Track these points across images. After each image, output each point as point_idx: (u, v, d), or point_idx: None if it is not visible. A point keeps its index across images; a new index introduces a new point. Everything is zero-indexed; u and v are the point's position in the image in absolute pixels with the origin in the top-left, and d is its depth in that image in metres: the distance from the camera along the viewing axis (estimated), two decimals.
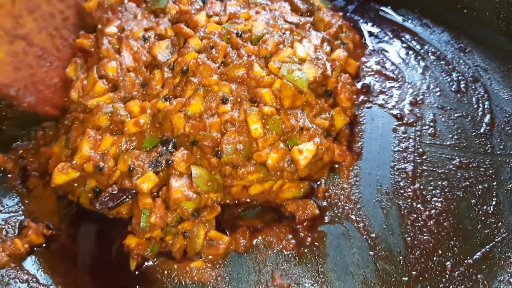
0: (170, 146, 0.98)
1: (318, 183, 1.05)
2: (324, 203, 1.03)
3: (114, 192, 0.96)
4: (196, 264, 0.96)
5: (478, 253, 0.98)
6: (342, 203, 1.03)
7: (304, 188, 1.03)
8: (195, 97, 0.99)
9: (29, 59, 1.03)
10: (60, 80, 1.09)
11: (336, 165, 1.08)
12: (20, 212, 1.01)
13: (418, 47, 1.28)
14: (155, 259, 0.96)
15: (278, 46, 1.06)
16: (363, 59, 1.24)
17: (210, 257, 0.97)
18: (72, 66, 1.10)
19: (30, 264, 0.96)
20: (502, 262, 0.97)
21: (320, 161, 1.04)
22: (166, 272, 0.96)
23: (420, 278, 0.95)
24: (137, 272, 0.95)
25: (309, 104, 1.04)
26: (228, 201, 1.03)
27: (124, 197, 0.96)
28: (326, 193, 1.04)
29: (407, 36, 1.30)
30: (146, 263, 0.96)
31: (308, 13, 1.23)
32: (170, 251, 0.97)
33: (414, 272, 0.95)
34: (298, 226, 1.00)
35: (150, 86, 1.04)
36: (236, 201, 1.04)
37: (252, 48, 1.06)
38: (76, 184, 1.01)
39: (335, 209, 1.02)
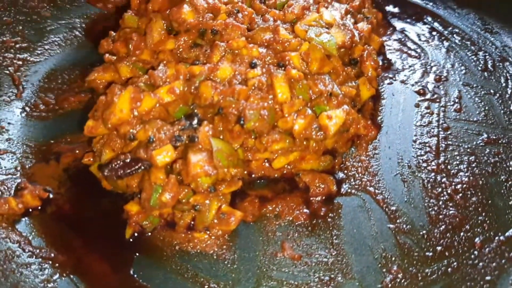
0: (195, 121, 0.90)
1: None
2: (341, 175, 0.96)
3: (126, 160, 0.89)
4: (200, 236, 0.89)
5: (511, 230, 0.88)
6: (360, 175, 0.96)
7: (325, 162, 0.97)
8: (223, 61, 0.94)
9: None
10: None
11: (357, 140, 1.01)
12: (18, 175, 0.96)
13: (441, 28, 1.23)
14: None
15: (303, 11, 1.03)
16: (384, 38, 1.19)
17: (218, 232, 0.90)
18: None
19: (24, 226, 0.90)
20: None
21: (346, 133, 0.97)
22: (166, 239, 0.89)
23: (446, 253, 0.86)
24: (134, 238, 0.89)
25: (335, 71, 0.99)
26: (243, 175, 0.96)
27: (137, 167, 0.88)
28: (343, 165, 0.97)
29: (430, 18, 1.25)
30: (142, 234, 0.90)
31: None
32: (174, 222, 0.90)
33: (439, 248, 0.86)
34: (311, 199, 0.93)
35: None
36: (253, 175, 0.97)
37: (278, 13, 1.03)
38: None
39: (352, 180, 0.95)
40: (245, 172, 0.95)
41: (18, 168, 0.97)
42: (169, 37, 1.00)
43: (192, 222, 0.90)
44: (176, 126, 0.88)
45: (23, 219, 0.91)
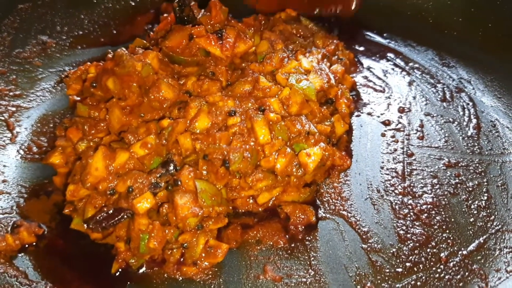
0: (171, 167, 0.95)
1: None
2: (316, 201, 1.03)
3: (109, 211, 0.93)
4: (189, 269, 0.94)
5: (473, 245, 0.96)
6: (333, 200, 1.03)
7: (305, 194, 1.04)
8: (200, 113, 0.98)
9: None
10: None
11: (332, 170, 1.09)
12: (14, 213, 1.02)
13: (403, 64, 1.34)
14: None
15: (282, 61, 1.10)
16: (353, 74, 1.29)
17: (206, 264, 0.95)
18: None
19: (21, 261, 0.95)
20: (497, 253, 0.95)
21: (323, 166, 1.04)
22: (155, 268, 0.95)
23: (415, 269, 0.93)
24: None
25: (312, 112, 1.06)
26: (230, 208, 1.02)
27: (120, 216, 0.92)
28: (317, 192, 1.05)
29: (392, 55, 1.36)
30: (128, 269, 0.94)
31: (308, 35, 1.31)
32: (164, 259, 0.96)
33: (408, 264, 0.94)
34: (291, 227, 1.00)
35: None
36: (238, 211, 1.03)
37: (258, 66, 1.10)
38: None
39: (326, 205, 1.03)
40: (230, 208, 1.01)
41: (14, 207, 1.02)
42: (131, 117, 1.01)
43: (182, 258, 0.95)
44: (154, 174, 0.94)
45: (20, 254, 0.96)
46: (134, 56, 1.02)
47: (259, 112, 1.00)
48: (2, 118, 1.16)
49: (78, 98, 1.10)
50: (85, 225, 0.95)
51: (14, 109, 1.19)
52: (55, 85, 1.24)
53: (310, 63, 1.12)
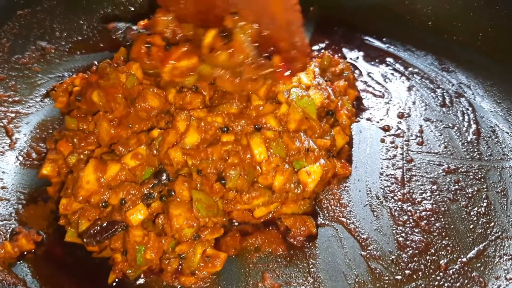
0: (164, 177, 0.94)
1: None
2: (315, 208, 1.03)
3: (103, 224, 0.93)
4: (187, 279, 0.94)
5: (472, 252, 0.96)
6: (332, 207, 1.03)
7: (304, 206, 1.03)
8: (189, 128, 0.97)
9: None
10: None
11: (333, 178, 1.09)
12: (13, 220, 1.01)
13: (402, 69, 1.33)
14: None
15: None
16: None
17: (204, 273, 0.94)
18: None
19: (19, 269, 0.95)
20: (497, 260, 0.95)
21: (323, 180, 1.03)
22: (154, 278, 0.94)
23: (414, 276, 0.93)
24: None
25: (311, 128, 1.04)
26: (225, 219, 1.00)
27: (113, 229, 0.92)
28: (316, 199, 1.04)
29: (391, 60, 1.36)
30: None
31: None
32: (162, 269, 0.95)
33: (407, 271, 0.94)
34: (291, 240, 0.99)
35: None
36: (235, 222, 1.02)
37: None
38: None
39: (325, 212, 1.02)
40: (225, 219, 0.99)
41: (13, 214, 1.02)
42: (120, 129, 1.00)
43: (180, 267, 0.94)
44: (146, 185, 0.93)
45: (18, 262, 0.96)
46: (118, 68, 1.01)
47: (255, 130, 0.98)
48: (1, 124, 1.16)
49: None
50: (80, 239, 0.94)
51: (13, 115, 1.19)
52: (42, 100, 1.24)
53: (309, 77, 1.09)
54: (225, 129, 0.97)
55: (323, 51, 1.32)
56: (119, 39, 1.12)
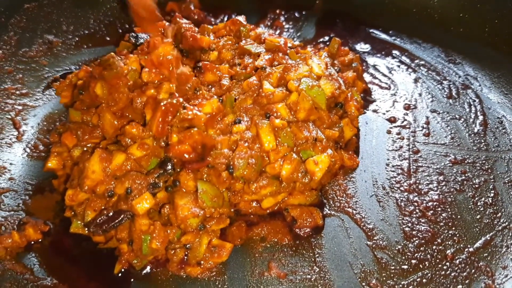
0: (169, 166, 0.94)
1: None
2: (321, 198, 1.03)
3: (109, 214, 0.93)
4: (193, 269, 0.94)
5: (479, 242, 0.96)
6: (338, 197, 1.03)
7: (311, 197, 1.03)
8: None
9: None
10: None
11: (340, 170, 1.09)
12: (20, 211, 1.02)
13: (408, 61, 1.33)
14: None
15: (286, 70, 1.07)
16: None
17: (210, 263, 0.94)
18: None
19: (27, 258, 0.95)
20: (504, 250, 0.94)
21: (330, 172, 1.04)
22: (159, 267, 0.95)
23: (420, 266, 0.93)
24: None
25: (320, 118, 1.04)
26: (232, 210, 1.01)
27: (120, 218, 0.92)
28: (322, 190, 1.04)
29: (398, 53, 1.36)
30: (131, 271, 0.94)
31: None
32: (167, 259, 0.95)
33: (413, 261, 0.93)
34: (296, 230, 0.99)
35: None
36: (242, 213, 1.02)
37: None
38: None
39: (331, 202, 1.02)
40: (232, 210, 1.00)
41: (20, 205, 1.03)
42: (123, 120, 1.00)
43: (186, 257, 0.95)
44: (152, 174, 0.94)
45: (26, 251, 0.96)
46: (120, 59, 1.02)
47: (265, 118, 0.99)
48: (9, 116, 1.17)
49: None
50: (86, 229, 0.95)
51: (20, 107, 1.20)
52: (43, 92, 1.24)
53: (320, 67, 1.08)
54: (238, 120, 0.98)
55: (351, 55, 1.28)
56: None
